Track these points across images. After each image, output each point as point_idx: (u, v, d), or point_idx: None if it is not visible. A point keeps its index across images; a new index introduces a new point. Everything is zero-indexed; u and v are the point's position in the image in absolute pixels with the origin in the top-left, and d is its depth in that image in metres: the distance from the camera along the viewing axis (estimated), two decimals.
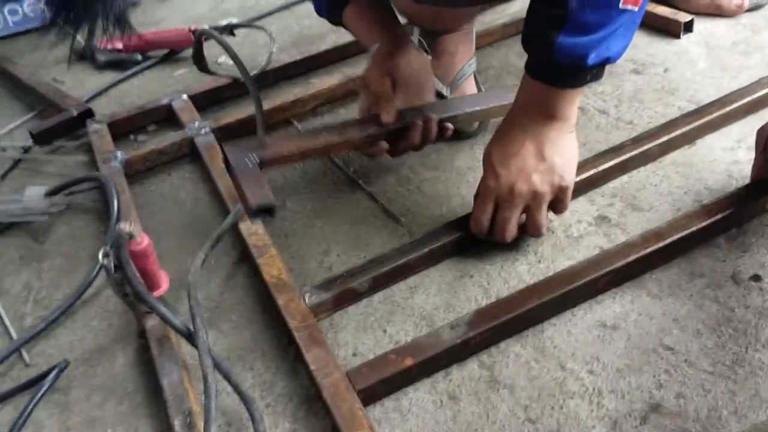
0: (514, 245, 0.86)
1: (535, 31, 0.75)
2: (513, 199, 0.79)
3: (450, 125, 0.93)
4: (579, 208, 0.90)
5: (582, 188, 0.90)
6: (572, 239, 0.86)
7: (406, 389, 0.73)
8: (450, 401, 0.71)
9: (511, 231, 0.82)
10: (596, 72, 0.76)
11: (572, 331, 0.76)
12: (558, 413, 0.68)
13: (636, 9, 0.70)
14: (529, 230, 0.83)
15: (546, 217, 0.82)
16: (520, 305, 0.74)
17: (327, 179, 1.03)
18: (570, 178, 0.80)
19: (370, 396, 0.71)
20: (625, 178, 0.93)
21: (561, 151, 0.79)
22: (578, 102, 0.80)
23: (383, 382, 0.70)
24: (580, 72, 0.75)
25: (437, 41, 1.05)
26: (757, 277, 0.77)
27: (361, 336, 0.79)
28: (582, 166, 0.91)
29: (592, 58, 0.71)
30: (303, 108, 1.17)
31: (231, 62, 0.87)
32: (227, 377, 0.70)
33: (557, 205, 0.82)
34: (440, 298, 0.82)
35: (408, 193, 0.98)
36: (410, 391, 0.73)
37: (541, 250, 0.86)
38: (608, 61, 0.73)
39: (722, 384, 0.68)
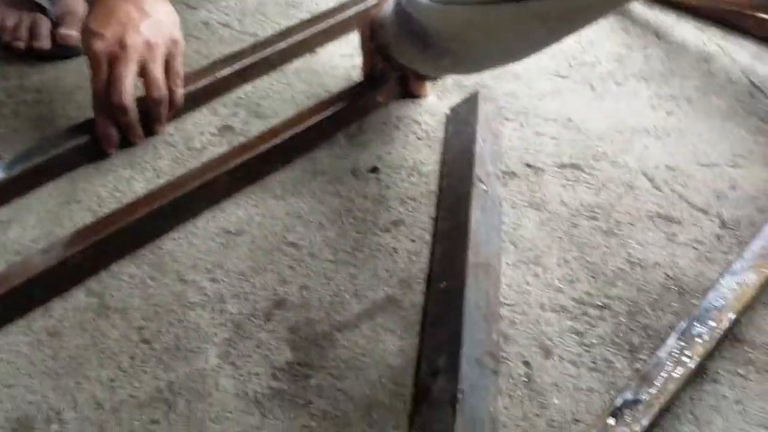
0: (130, 163, 0.77)
1: None
2: (125, 52, 0.72)
3: None
4: (201, 120, 0.84)
5: (203, 98, 0.84)
6: (195, 151, 0.80)
7: None
8: (50, 338, 0.60)
9: (128, 90, 0.73)
10: None
11: (193, 242, 0.69)
12: (177, 328, 0.62)
13: None
14: (150, 91, 0.76)
15: (163, 72, 0.76)
16: (129, 217, 0.66)
17: None
18: (178, 33, 0.78)
19: None
20: (248, 87, 0.89)
21: (163, 10, 0.77)
22: None
23: None
24: None
25: None
26: (375, 169, 0.79)
27: None
28: (201, 74, 0.84)
29: None
30: None
31: None
32: None
33: (172, 63, 0.77)
34: (40, 230, 0.70)
35: (1, 119, 0.82)
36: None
37: (161, 165, 0.78)
38: None
39: (344, 270, 0.68)
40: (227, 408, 0.56)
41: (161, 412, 0.56)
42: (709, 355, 0.61)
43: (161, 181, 0.76)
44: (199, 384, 0.58)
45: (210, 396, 0.57)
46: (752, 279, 0.64)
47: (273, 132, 0.76)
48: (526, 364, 0.61)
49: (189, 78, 0.82)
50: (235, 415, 0.56)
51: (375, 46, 0.79)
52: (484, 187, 0.73)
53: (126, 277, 0.66)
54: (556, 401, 0.58)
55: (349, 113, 0.82)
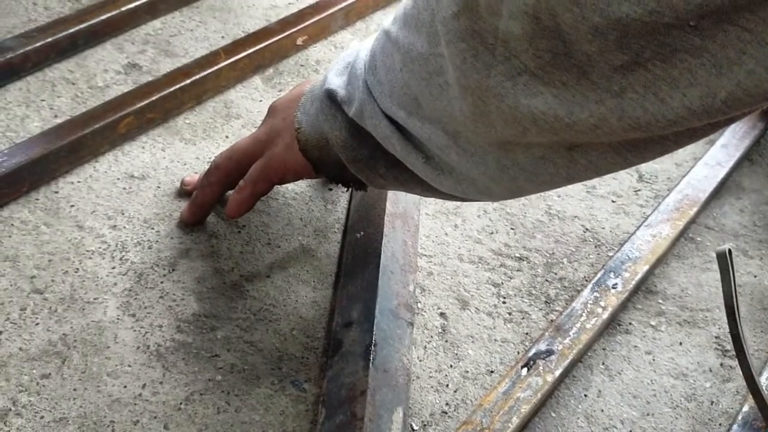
0: (24, 101, 0.71)
1: None
2: None
3: None
4: (105, 56, 0.77)
5: (107, 32, 0.78)
6: (97, 90, 0.74)
7: None
8: None
9: None
10: None
11: (93, 186, 0.64)
12: (72, 277, 0.57)
13: None
14: None
15: None
16: (22, 158, 0.60)
17: None
18: None
19: None
20: (157, 23, 0.83)
21: None
22: None
23: None
24: None
25: None
26: None
27: None
28: (104, 6, 0.78)
29: None
30: None
31: None
32: None
33: None
34: None
35: None
36: None
37: (59, 104, 0.72)
38: None
39: (256, 219, 0.64)
40: (126, 362, 0.53)
41: (54, 366, 0.52)
42: (623, 307, 0.61)
43: (59, 121, 0.70)
44: (95, 336, 0.54)
45: (107, 349, 0.53)
46: (666, 231, 0.65)
47: (184, 71, 0.71)
48: (442, 315, 0.59)
49: (91, 11, 0.76)
50: (135, 369, 0.52)
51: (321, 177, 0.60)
52: None
53: (18, 223, 0.60)
54: (470, 352, 0.57)
55: (267, 54, 0.78)
